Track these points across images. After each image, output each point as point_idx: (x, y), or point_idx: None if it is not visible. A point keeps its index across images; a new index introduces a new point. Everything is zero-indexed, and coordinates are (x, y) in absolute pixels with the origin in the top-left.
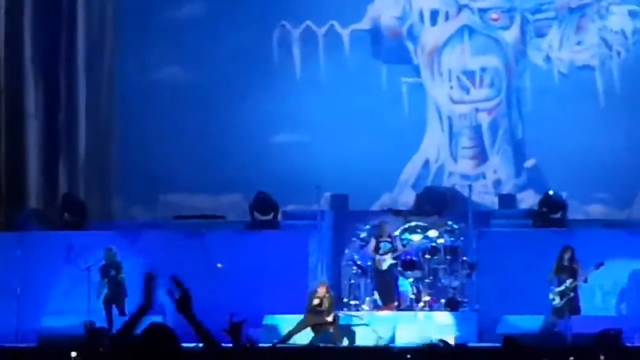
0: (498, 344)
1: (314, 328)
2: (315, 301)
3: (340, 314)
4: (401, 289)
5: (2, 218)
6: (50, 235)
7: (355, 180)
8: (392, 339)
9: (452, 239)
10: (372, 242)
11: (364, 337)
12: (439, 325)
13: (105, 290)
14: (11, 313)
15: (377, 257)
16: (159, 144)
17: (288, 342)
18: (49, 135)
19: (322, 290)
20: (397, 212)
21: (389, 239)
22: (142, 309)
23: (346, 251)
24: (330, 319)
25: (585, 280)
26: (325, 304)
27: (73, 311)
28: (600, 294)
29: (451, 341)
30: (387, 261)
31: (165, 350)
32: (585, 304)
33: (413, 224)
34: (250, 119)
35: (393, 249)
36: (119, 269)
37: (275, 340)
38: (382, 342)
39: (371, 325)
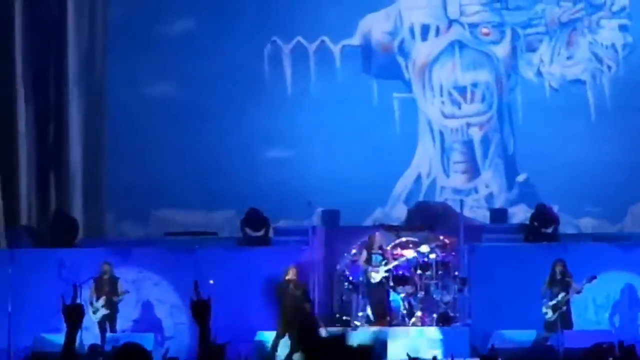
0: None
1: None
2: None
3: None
4: (393, 304)
5: None
6: (41, 252)
7: (348, 195)
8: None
9: (444, 253)
10: (364, 254)
11: None
12: (430, 340)
13: (104, 310)
14: (3, 331)
15: (369, 269)
16: (151, 159)
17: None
18: (40, 152)
19: (292, 272)
20: (389, 228)
21: (380, 251)
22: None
23: (337, 267)
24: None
25: (579, 292)
26: (297, 289)
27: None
28: (593, 308)
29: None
30: (379, 273)
31: None
32: (577, 318)
33: (404, 239)
34: (242, 134)
35: (385, 261)
36: (117, 286)
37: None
38: None
39: None
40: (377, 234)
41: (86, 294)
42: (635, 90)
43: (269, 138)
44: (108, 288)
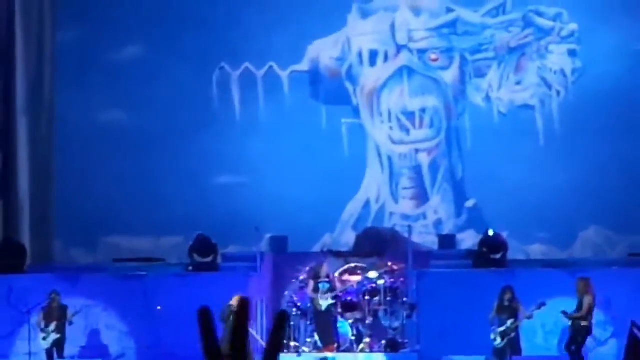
0: None
1: None
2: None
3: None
4: (341, 330)
5: None
6: None
7: (296, 221)
8: None
9: (392, 279)
10: (311, 283)
11: None
12: None
13: (54, 334)
14: None
15: (316, 297)
16: (99, 185)
17: None
18: None
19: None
20: (337, 254)
21: (327, 279)
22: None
23: (286, 293)
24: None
25: (529, 318)
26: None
27: (15, 354)
28: (542, 334)
29: None
30: (326, 301)
31: None
32: (527, 343)
33: (353, 265)
34: (191, 160)
35: (332, 289)
36: (66, 313)
37: None
38: None
39: None
40: (324, 264)
41: (35, 320)
42: (584, 115)
43: (218, 164)
44: (57, 315)
